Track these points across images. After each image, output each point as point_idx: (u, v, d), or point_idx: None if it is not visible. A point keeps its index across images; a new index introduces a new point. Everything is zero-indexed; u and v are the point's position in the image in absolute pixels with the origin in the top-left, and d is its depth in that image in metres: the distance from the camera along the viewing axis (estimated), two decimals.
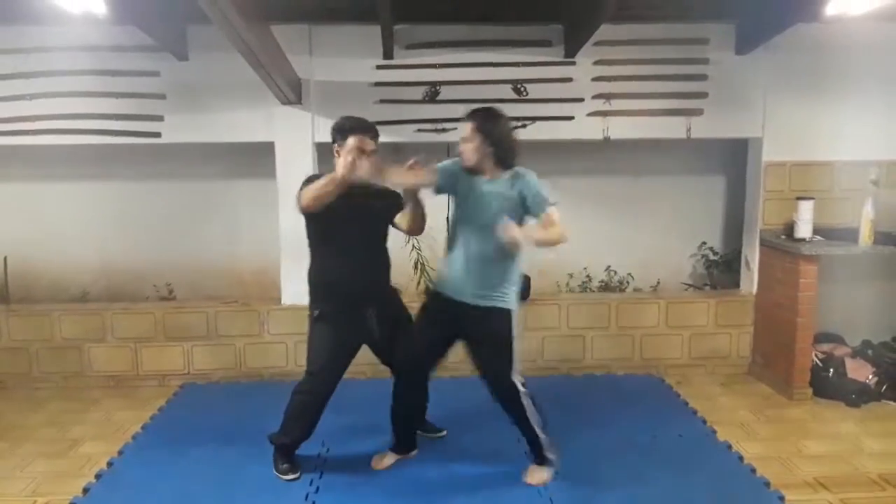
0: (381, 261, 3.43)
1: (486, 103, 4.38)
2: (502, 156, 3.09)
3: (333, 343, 3.30)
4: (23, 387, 4.64)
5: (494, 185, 3.10)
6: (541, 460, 3.33)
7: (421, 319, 3.32)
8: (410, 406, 3.46)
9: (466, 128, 3.09)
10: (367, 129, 3.23)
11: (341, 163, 3.03)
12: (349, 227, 3.21)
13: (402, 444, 3.50)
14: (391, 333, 3.39)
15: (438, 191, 3.23)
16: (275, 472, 3.37)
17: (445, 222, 4.65)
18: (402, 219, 3.35)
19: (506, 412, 3.29)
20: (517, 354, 3.20)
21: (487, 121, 3.08)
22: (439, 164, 3.20)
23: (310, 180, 3.21)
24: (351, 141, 3.17)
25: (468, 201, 3.14)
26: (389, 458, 3.47)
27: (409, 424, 3.51)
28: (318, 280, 3.36)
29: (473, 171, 3.12)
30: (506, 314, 3.16)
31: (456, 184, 3.17)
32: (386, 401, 3.40)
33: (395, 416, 3.45)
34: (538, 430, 3.27)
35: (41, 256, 5.09)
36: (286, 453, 3.41)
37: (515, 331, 3.17)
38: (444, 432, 3.77)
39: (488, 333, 3.18)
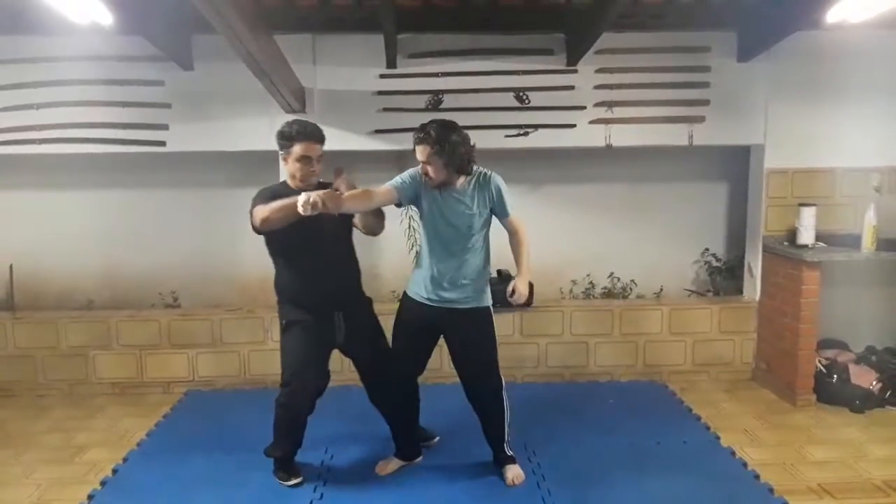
0: (345, 266, 3.38)
1: (488, 111, 4.49)
2: (463, 166, 3.11)
3: (304, 351, 3.25)
4: (28, 394, 4.66)
5: (460, 197, 3.14)
6: (509, 458, 3.39)
7: (402, 331, 3.31)
8: (408, 414, 3.47)
9: (423, 152, 3.04)
10: (311, 134, 3.17)
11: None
12: (302, 239, 3.14)
13: (407, 451, 3.51)
14: (361, 344, 3.37)
15: (400, 205, 3.25)
16: (276, 480, 3.37)
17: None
18: (358, 220, 3.33)
19: (485, 411, 3.34)
20: (497, 345, 3.30)
21: (441, 139, 3.01)
22: (397, 182, 3.16)
23: (260, 195, 3.18)
24: (297, 149, 3.15)
25: (435, 214, 3.16)
26: (394, 464, 3.48)
27: (411, 432, 3.52)
28: (282, 290, 3.34)
29: (438, 187, 3.13)
30: (486, 311, 3.26)
31: (417, 196, 3.18)
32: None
33: (394, 426, 3.48)
34: (507, 428, 3.36)
35: (47, 264, 5.11)
36: (283, 463, 3.41)
37: (494, 323, 3.28)
38: (437, 438, 3.76)
39: (473, 333, 3.24)
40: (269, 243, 3.29)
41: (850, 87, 4.56)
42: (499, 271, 4.53)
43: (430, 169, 3.06)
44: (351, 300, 3.39)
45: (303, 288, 3.27)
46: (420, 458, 3.55)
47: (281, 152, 3.23)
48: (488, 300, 3.28)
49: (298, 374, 3.24)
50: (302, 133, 3.16)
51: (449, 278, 3.17)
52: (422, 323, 3.26)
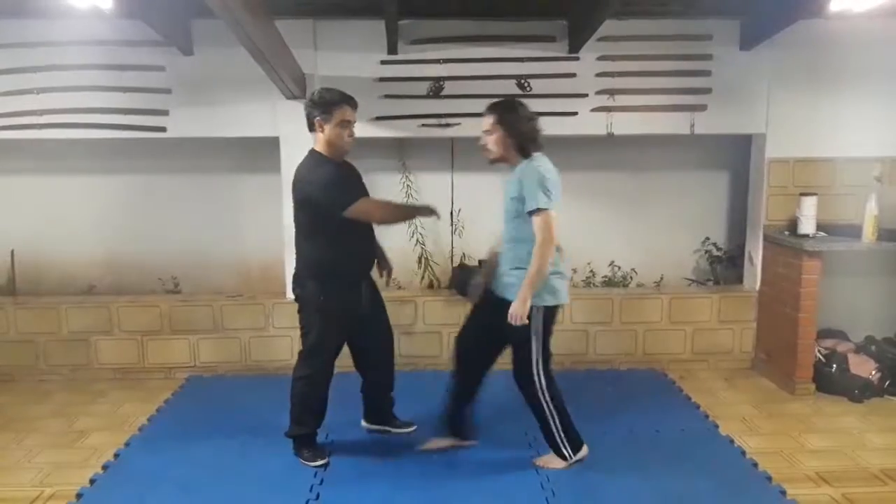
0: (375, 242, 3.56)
1: (490, 98, 4.45)
2: (523, 145, 3.15)
3: (334, 322, 3.36)
4: (30, 379, 4.68)
5: (510, 178, 3.20)
6: (557, 452, 3.36)
7: (471, 313, 3.45)
8: (460, 395, 3.46)
9: (487, 121, 3.17)
10: (351, 99, 3.27)
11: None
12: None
13: (458, 431, 3.51)
14: (372, 323, 3.51)
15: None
16: (301, 461, 3.39)
17: (450, 217, 4.72)
18: None
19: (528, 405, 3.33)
20: (537, 347, 3.21)
21: (507, 112, 3.15)
22: None
23: (334, 185, 3.19)
24: (339, 113, 3.20)
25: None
26: (444, 442, 3.50)
27: (459, 413, 3.49)
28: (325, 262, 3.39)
29: (497, 162, 3.22)
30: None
31: None
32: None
33: (448, 402, 3.47)
34: (553, 427, 3.29)
35: (48, 250, 5.11)
36: (308, 442, 3.43)
37: (536, 324, 3.16)
38: (414, 427, 3.73)
39: (506, 325, 3.14)
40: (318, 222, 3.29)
41: (853, 77, 4.55)
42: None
43: (490, 139, 3.17)
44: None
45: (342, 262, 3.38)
46: (471, 443, 3.52)
47: (318, 118, 3.23)
48: (533, 299, 3.10)
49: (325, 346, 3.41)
50: (344, 97, 3.24)
51: (501, 263, 3.25)
52: (482, 304, 3.37)
